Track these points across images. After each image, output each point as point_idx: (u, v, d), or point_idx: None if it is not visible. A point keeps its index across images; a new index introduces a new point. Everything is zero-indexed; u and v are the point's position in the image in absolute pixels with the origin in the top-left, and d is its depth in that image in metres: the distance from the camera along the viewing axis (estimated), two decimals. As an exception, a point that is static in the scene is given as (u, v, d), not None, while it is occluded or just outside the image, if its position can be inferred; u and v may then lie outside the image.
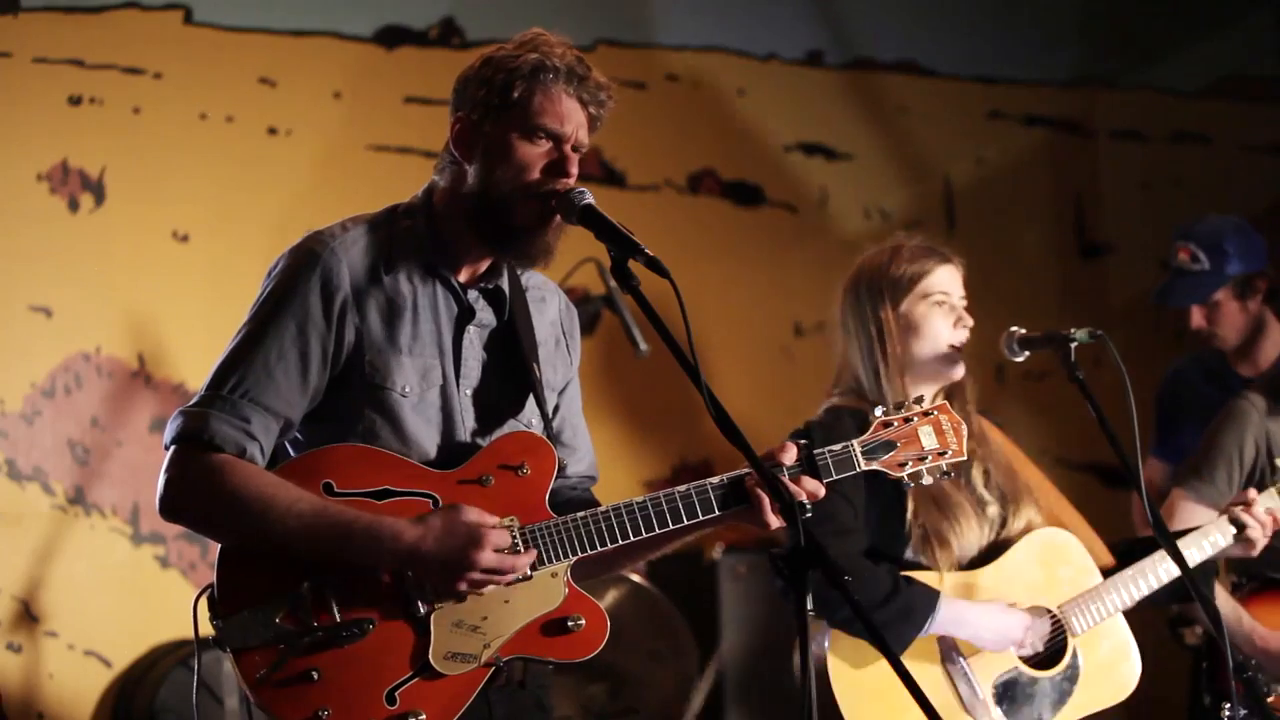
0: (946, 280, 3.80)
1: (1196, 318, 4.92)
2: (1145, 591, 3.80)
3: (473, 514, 2.81)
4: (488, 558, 2.79)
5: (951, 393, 3.81)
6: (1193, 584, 3.59)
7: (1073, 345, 3.66)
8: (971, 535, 3.75)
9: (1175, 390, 5.17)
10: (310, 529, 2.77)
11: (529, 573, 2.86)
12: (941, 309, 3.78)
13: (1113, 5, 6.98)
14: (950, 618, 3.65)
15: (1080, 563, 3.83)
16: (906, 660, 3.16)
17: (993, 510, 3.81)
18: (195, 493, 2.82)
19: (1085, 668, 3.76)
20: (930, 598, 3.65)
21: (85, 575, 5.22)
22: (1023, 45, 6.82)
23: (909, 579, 3.67)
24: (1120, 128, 6.97)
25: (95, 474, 5.26)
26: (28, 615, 5.15)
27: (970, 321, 3.80)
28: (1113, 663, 3.80)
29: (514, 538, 2.85)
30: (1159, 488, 4.89)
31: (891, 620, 3.57)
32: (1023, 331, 3.78)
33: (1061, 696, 3.74)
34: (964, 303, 3.82)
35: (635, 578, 5.35)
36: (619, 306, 5.55)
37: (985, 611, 3.68)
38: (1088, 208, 6.94)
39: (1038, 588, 3.77)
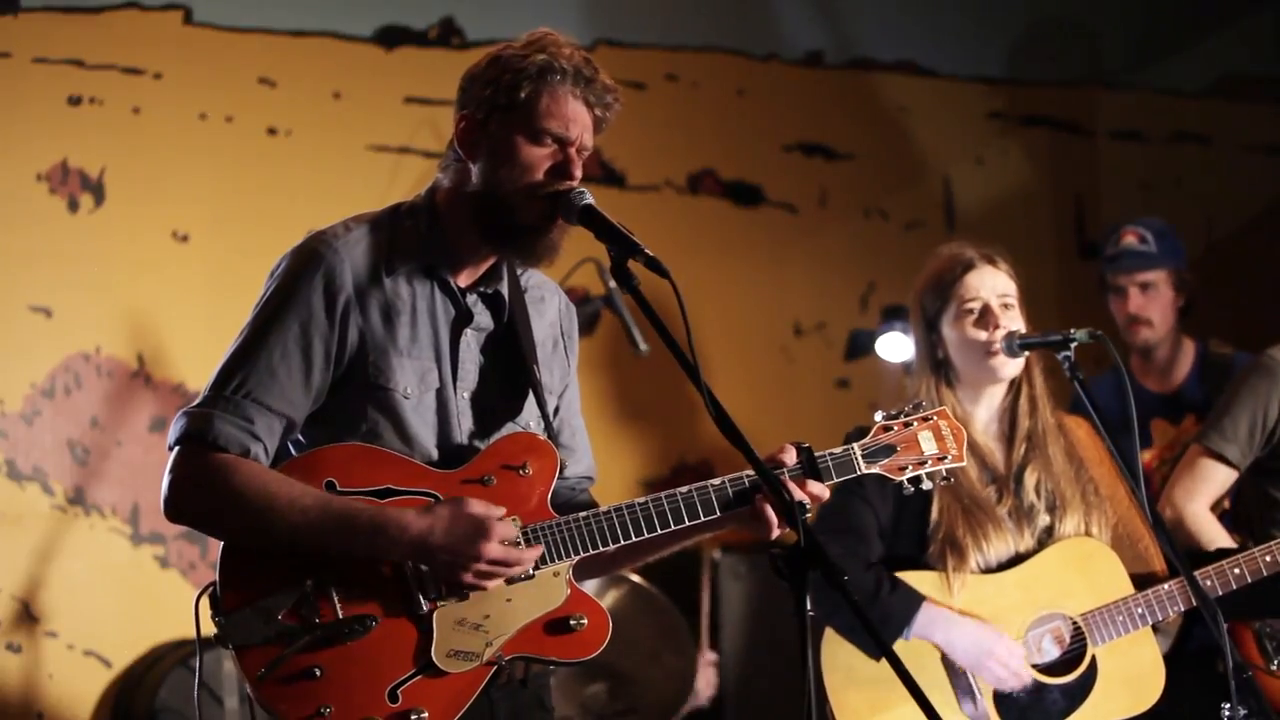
0: (974, 284, 3.81)
1: (1135, 299, 5.06)
2: (1175, 611, 3.78)
3: (479, 506, 2.81)
4: (494, 549, 2.79)
5: (1018, 390, 3.83)
6: (1193, 584, 3.59)
7: (1072, 345, 3.66)
8: (1000, 545, 3.73)
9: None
10: (314, 523, 2.77)
11: (531, 572, 2.87)
12: (971, 315, 3.80)
13: (1113, 5, 6.98)
14: (929, 626, 3.65)
15: (1108, 573, 3.79)
16: (904, 657, 3.16)
17: (1041, 518, 3.80)
18: (199, 493, 2.81)
19: (1103, 678, 3.73)
20: (910, 605, 3.64)
21: (85, 575, 5.22)
22: (1023, 45, 6.82)
23: (894, 583, 3.67)
24: (1120, 128, 6.97)
25: (95, 474, 5.26)
26: (28, 615, 5.16)
27: (1001, 318, 3.78)
28: (1135, 675, 3.77)
29: (519, 533, 2.85)
30: None
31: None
32: (1022, 331, 3.79)
33: (1072, 704, 3.71)
34: (1003, 298, 3.81)
35: (634, 578, 5.35)
36: (619, 306, 5.55)
37: (965, 626, 3.66)
38: (1088, 208, 6.94)
39: (1062, 594, 3.75)
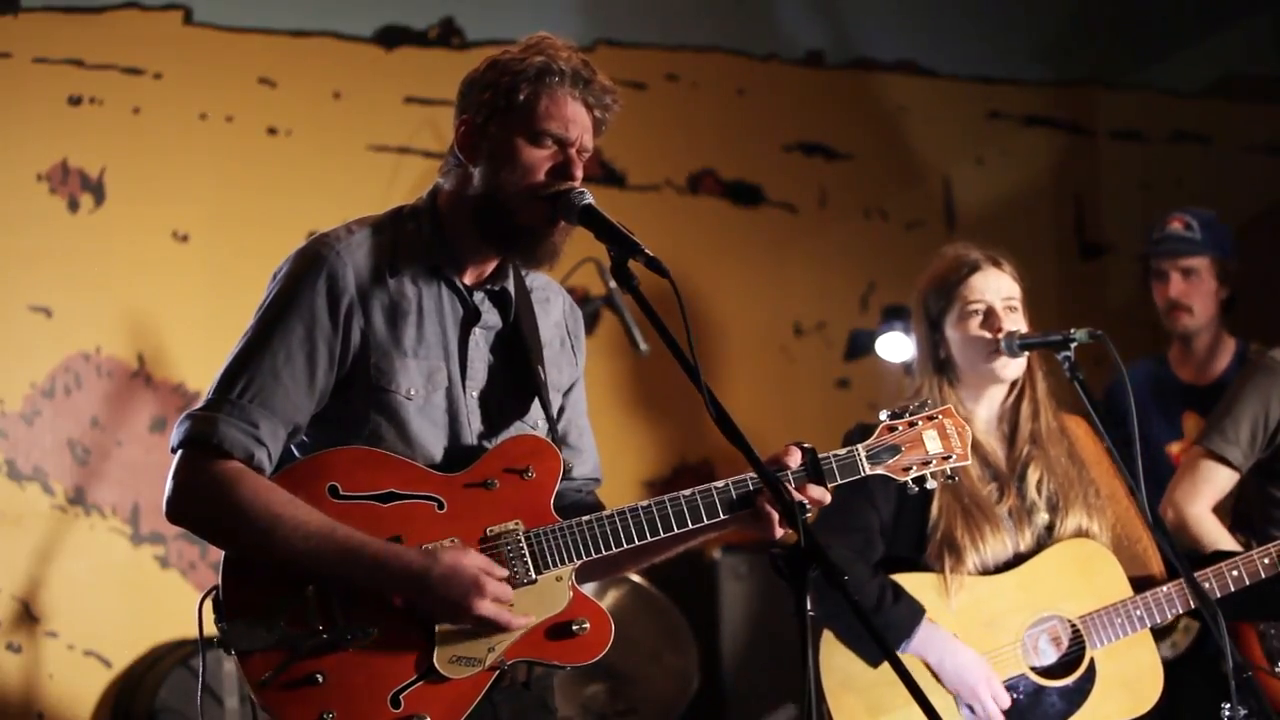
0: (979, 286, 3.82)
1: (1176, 284, 5.02)
2: (1174, 613, 3.78)
3: (480, 561, 2.82)
4: (486, 608, 2.79)
5: (1021, 392, 3.84)
6: (1192, 585, 3.59)
7: (1072, 345, 3.66)
8: (998, 546, 3.73)
9: (1120, 396, 5.18)
10: (316, 549, 2.77)
11: (534, 576, 2.87)
12: (975, 317, 3.80)
13: (1113, 5, 6.98)
14: (925, 644, 3.65)
15: (1108, 575, 3.79)
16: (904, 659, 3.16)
17: (1041, 518, 3.80)
18: (203, 501, 2.81)
19: (1101, 680, 3.73)
20: (910, 620, 3.64)
21: (85, 575, 5.22)
22: (1023, 45, 6.82)
23: (898, 594, 3.67)
24: (1120, 128, 6.97)
25: (95, 474, 5.26)
26: (28, 615, 5.16)
27: (1005, 321, 3.78)
28: (1133, 678, 3.76)
29: (515, 575, 2.85)
30: None
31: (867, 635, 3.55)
32: (1022, 332, 3.78)
33: (1070, 707, 3.71)
34: (1008, 301, 3.81)
35: (635, 578, 5.35)
36: (619, 306, 5.56)
37: (959, 655, 3.65)
38: (1088, 208, 6.94)
39: (1061, 596, 3.75)
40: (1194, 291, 5.03)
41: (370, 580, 2.79)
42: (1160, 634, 4.16)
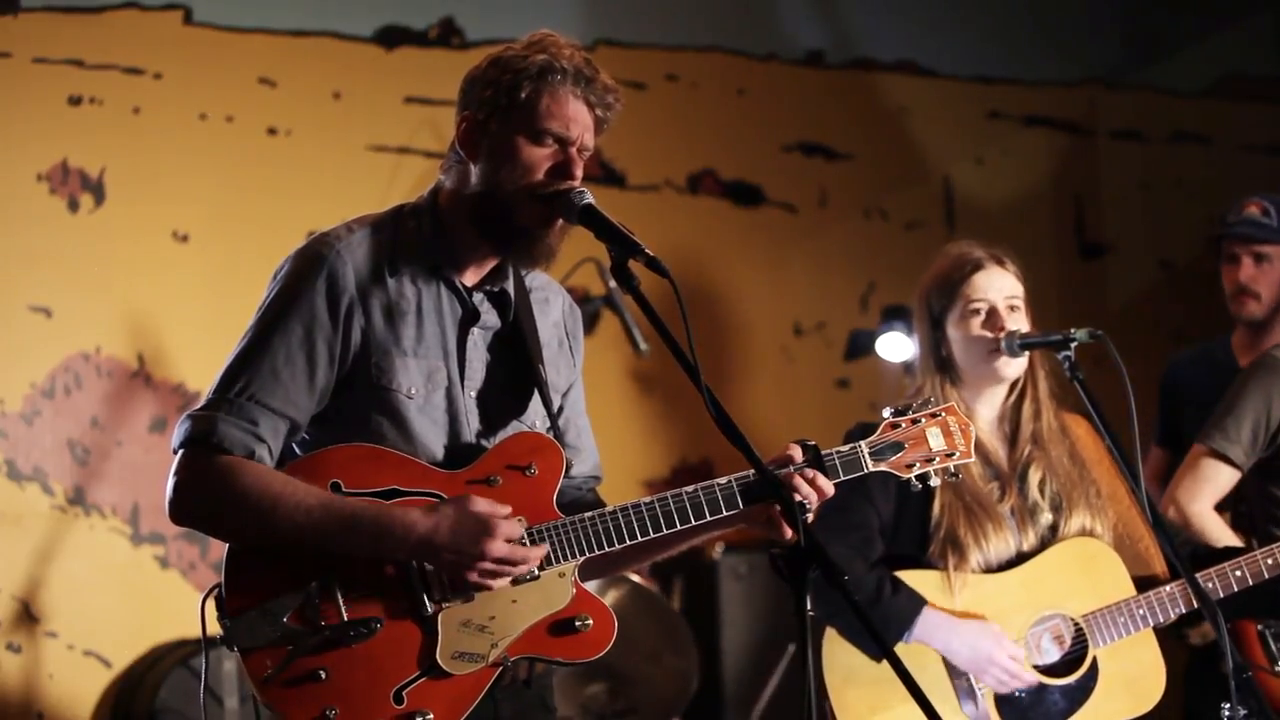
0: (982, 285, 3.81)
1: (1247, 269, 4.98)
2: (1177, 613, 3.78)
3: (484, 504, 2.81)
4: (500, 547, 2.78)
5: (1022, 392, 3.84)
6: (1193, 585, 3.59)
7: (1073, 345, 3.66)
8: (1000, 544, 3.73)
9: (1177, 379, 5.18)
10: (318, 523, 2.77)
11: (536, 572, 2.87)
12: (978, 316, 3.80)
13: (1113, 5, 6.99)
14: (929, 631, 3.65)
15: (1111, 574, 3.78)
16: (905, 657, 3.16)
17: (1045, 517, 3.80)
18: (204, 495, 2.81)
19: (1104, 679, 3.72)
20: (911, 609, 3.64)
21: (85, 575, 5.22)
22: (1023, 45, 6.83)
23: (896, 585, 3.67)
24: (1120, 128, 6.98)
25: (95, 474, 5.27)
26: (28, 615, 5.16)
27: (1007, 320, 3.78)
28: (1136, 676, 3.76)
29: (525, 532, 2.86)
30: (1164, 476, 4.88)
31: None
32: (1023, 331, 3.79)
33: (1073, 705, 3.71)
34: (1010, 300, 3.81)
35: (635, 578, 5.35)
36: (619, 306, 5.56)
37: (965, 632, 3.65)
38: (1087, 208, 6.95)
39: (1064, 594, 3.74)
40: (1263, 278, 5.00)
41: (375, 546, 2.78)
42: (1190, 622, 4.17)
